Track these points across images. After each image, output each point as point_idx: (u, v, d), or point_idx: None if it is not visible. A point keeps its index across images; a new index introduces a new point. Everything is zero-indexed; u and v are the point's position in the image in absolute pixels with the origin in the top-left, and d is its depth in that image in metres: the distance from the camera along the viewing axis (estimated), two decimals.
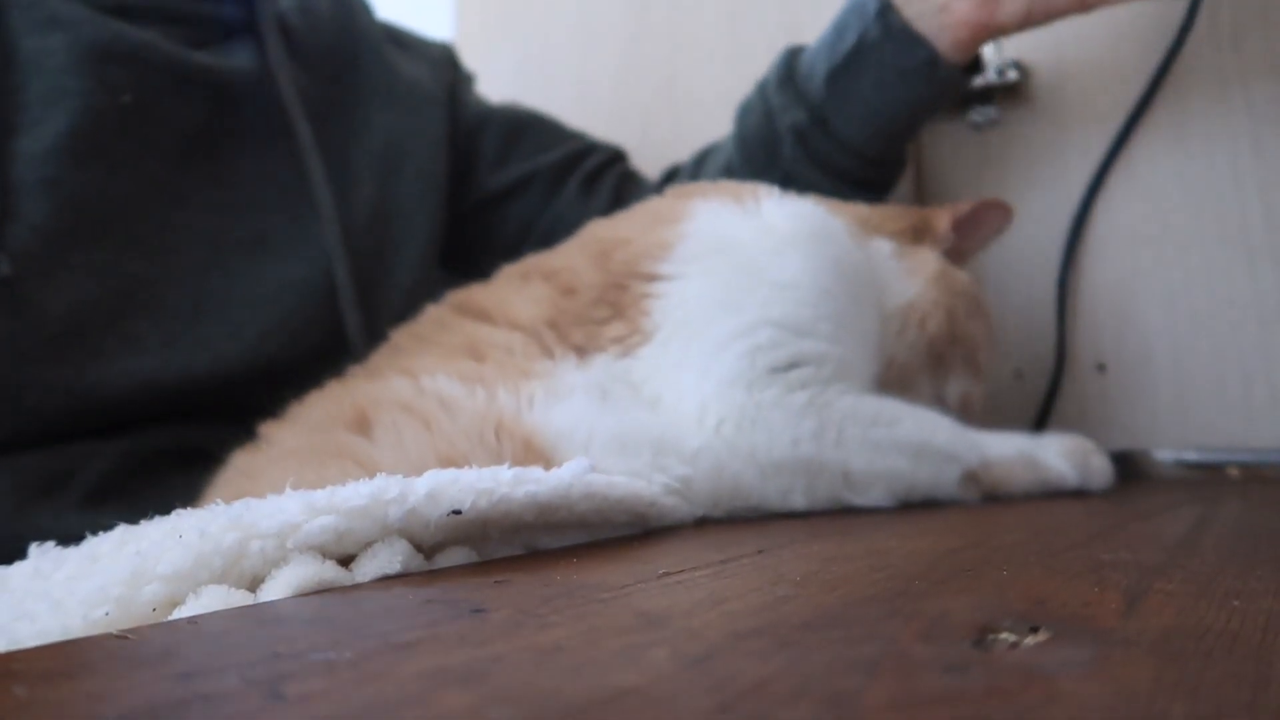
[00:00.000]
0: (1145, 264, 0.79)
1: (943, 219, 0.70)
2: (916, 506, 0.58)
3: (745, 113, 0.83)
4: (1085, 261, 0.82)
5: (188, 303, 0.65)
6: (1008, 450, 0.62)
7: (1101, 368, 0.81)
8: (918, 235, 0.69)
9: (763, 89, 0.81)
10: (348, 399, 0.53)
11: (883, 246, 0.67)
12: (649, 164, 1.04)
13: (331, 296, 0.71)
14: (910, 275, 0.67)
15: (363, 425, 0.49)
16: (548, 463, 0.47)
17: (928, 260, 0.68)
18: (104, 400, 0.61)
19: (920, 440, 0.58)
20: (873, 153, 0.76)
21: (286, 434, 0.53)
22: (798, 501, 0.54)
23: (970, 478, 0.60)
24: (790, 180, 0.78)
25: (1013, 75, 0.84)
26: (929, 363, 0.66)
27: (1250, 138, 0.75)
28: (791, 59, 0.80)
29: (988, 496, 0.61)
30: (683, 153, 1.02)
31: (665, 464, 0.50)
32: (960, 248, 0.72)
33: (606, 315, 0.58)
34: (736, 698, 0.18)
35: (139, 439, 0.62)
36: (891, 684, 0.19)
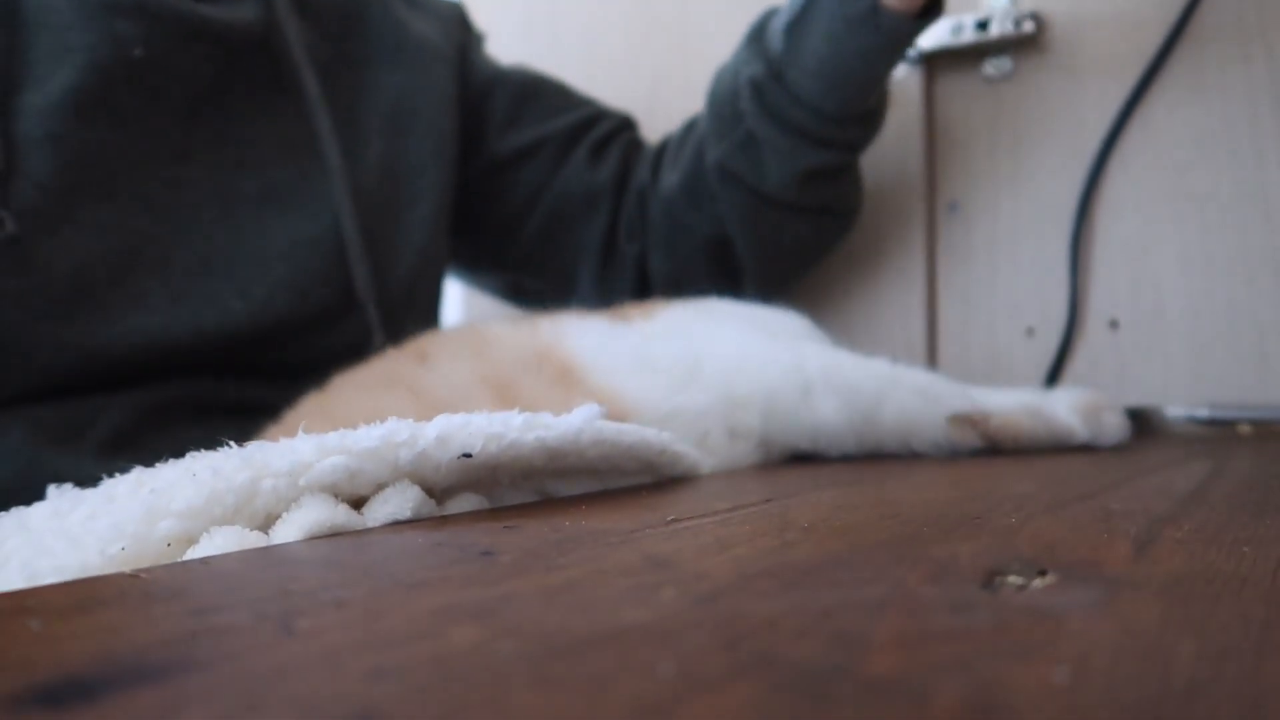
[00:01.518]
0: (1160, 219, 0.79)
1: None
2: (924, 461, 0.58)
3: (720, 73, 0.82)
4: (1099, 217, 0.81)
5: (195, 260, 0.65)
6: (1011, 401, 0.62)
7: (1114, 325, 0.80)
8: None
9: (737, 48, 0.80)
10: (416, 342, 0.60)
11: None
12: (660, 121, 1.03)
13: (340, 253, 0.71)
14: None
15: (422, 358, 0.56)
16: (580, 382, 0.52)
17: None
18: (113, 357, 0.61)
19: (893, 372, 0.61)
20: (830, 108, 0.75)
21: (356, 373, 0.59)
22: (756, 410, 0.58)
23: (964, 422, 0.60)
24: (753, 141, 0.77)
25: (1029, 27, 0.82)
26: None
27: (1270, 91, 0.74)
28: (767, 16, 0.79)
29: (990, 446, 0.61)
30: (694, 110, 1.01)
31: (690, 390, 0.56)
32: None
33: (626, 314, 0.67)
34: (744, 634, 0.18)
35: (152, 391, 0.63)
36: (899, 623, 0.19)
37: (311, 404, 0.56)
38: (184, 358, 0.64)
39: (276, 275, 0.68)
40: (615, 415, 0.48)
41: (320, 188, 0.72)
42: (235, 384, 0.67)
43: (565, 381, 0.53)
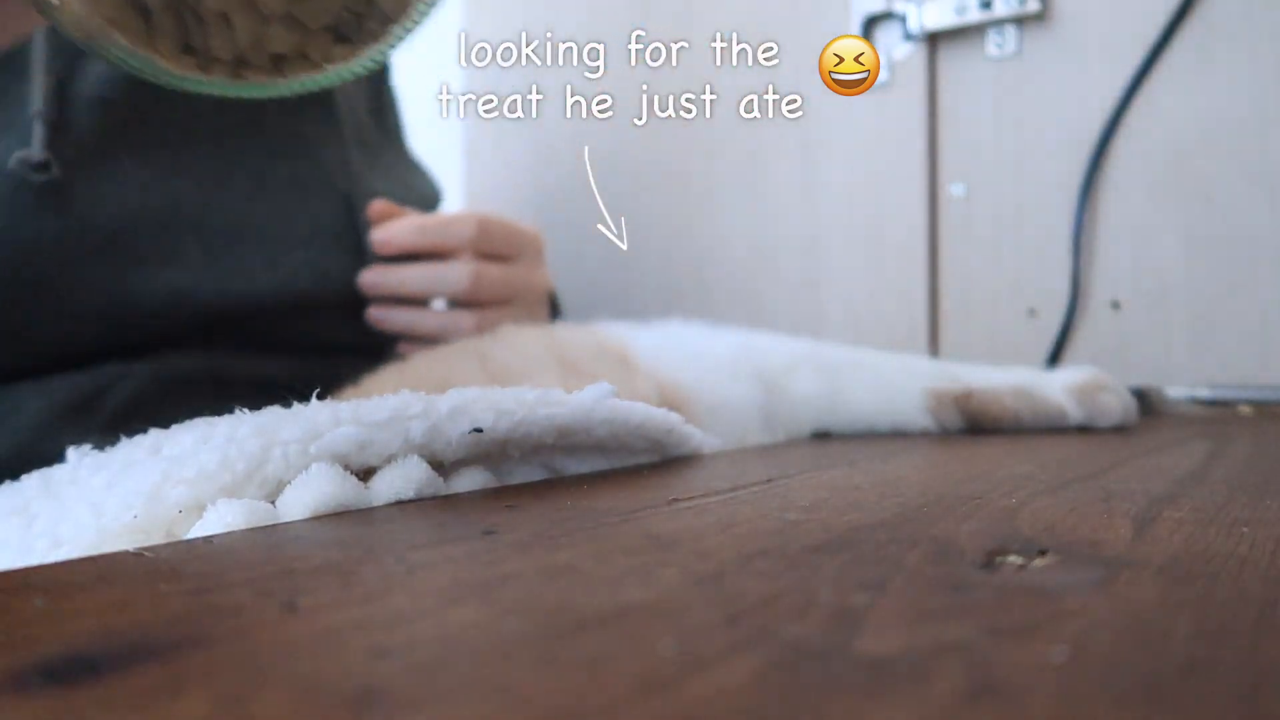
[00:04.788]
0: (1164, 199, 0.78)
1: None
2: (924, 441, 0.58)
3: None
4: (1102, 197, 0.81)
5: (231, 228, 0.68)
6: (1000, 380, 0.62)
7: (1116, 305, 0.80)
8: None
9: None
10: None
11: None
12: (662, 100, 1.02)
13: (358, 246, 0.74)
14: None
15: (489, 337, 0.60)
16: (638, 369, 0.56)
17: None
18: (142, 310, 0.63)
19: (854, 356, 0.64)
20: None
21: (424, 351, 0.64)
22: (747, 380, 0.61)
23: (942, 396, 0.61)
24: None
25: (1033, 5, 0.82)
26: None
27: (1276, 72, 0.74)
28: None
29: (973, 424, 0.61)
30: (694, 88, 1.00)
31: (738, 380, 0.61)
32: None
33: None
34: (745, 612, 0.18)
35: (168, 361, 0.64)
36: (899, 601, 0.19)
37: (392, 370, 0.60)
38: (208, 322, 0.66)
39: (301, 256, 0.71)
40: (670, 401, 0.52)
41: (341, 186, 0.75)
42: (254, 358, 0.68)
43: (625, 366, 0.57)
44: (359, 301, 0.74)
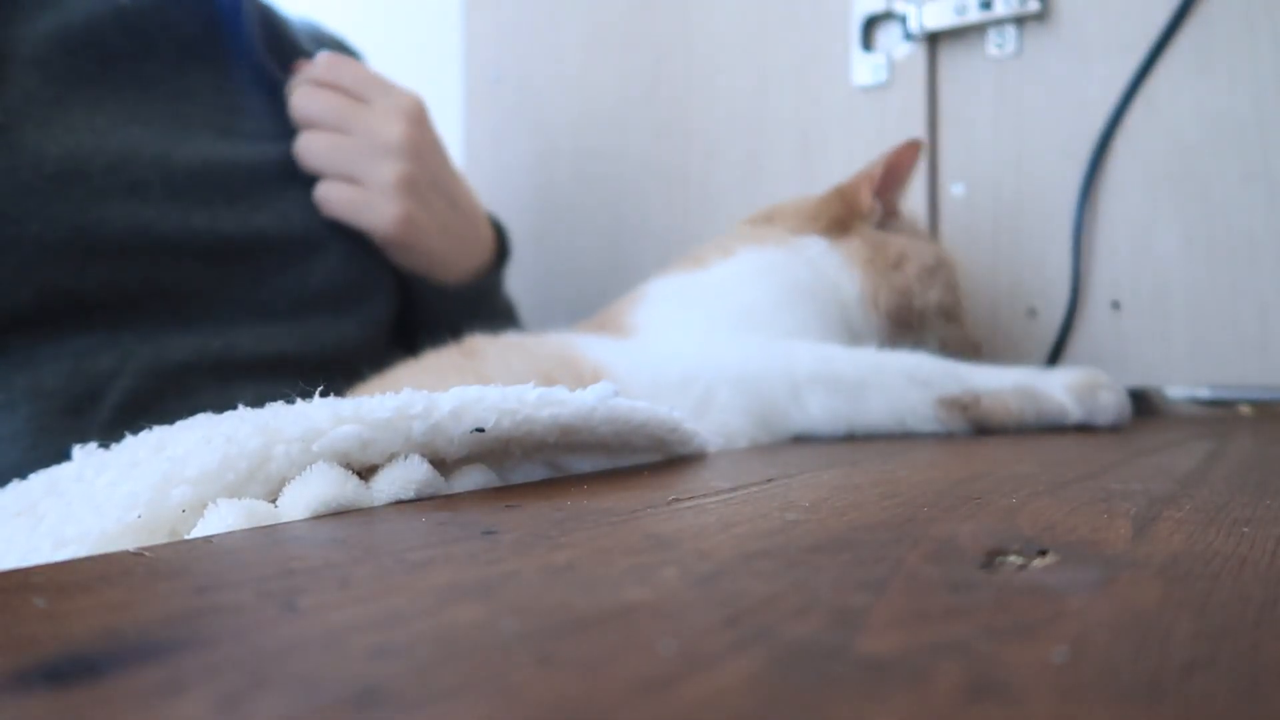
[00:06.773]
0: (1164, 199, 0.78)
1: (864, 195, 0.75)
2: (925, 440, 0.58)
3: None
4: (1103, 197, 0.81)
5: (195, 164, 0.68)
6: (1003, 382, 0.62)
7: (1116, 305, 0.80)
8: (845, 223, 0.75)
9: None
10: (453, 348, 0.65)
11: (814, 244, 0.73)
12: (663, 95, 1.02)
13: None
14: (848, 267, 0.73)
15: (472, 354, 0.62)
16: (595, 377, 0.56)
17: (857, 249, 0.73)
18: (104, 241, 0.62)
19: (875, 361, 0.62)
20: None
21: (408, 366, 0.64)
22: (764, 423, 0.61)
23: (952, 405, 0.61)
24: None
25: (1033, 5, 0.82)
26: (903, 331, 0.73)
27: (1276, 71, 0.74)
28: None
29: (979, 428, 0.61)
30: (696, 86, 1.00)
31: (710, 414, 0.60)
32: (889, 205, 0.77)
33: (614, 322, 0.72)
34: (745, 612, 0.18)
35: (161, 349, 0.64)
36: (899, 601, 0.19)
37: (390, 378, 0.62)
38: (173, 258, 0.66)
39: (262, 193, 0.72)
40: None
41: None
42: (243, 340, 0.68)
43: (589, 376, 0.57)
44: (328, 246, 0.75)
